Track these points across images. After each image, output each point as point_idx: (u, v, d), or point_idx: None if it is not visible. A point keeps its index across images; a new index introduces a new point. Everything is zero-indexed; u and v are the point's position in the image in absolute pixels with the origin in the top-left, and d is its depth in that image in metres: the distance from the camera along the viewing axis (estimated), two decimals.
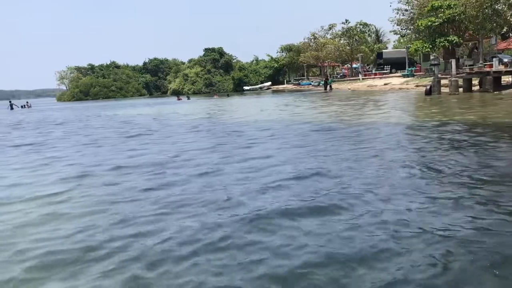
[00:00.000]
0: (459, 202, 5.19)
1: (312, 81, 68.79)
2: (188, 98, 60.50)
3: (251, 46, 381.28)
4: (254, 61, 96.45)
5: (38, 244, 4.63)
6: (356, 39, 64.99)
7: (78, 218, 5.46)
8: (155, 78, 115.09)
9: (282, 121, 16.99)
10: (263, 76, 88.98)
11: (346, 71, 73.98)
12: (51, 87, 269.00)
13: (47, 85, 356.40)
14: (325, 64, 73.55)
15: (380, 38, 76.54)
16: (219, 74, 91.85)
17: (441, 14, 36.88)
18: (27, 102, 66.30)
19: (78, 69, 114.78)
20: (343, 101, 28.63)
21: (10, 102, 67.69)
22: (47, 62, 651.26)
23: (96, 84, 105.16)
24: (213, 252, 4.16)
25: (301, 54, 74.26)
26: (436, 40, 38.24)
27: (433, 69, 30.51)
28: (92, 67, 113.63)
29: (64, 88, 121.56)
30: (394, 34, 48.56)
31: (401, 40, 67.84)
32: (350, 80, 59.22)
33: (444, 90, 27.33)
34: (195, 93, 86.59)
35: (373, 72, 59.93)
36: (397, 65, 56.93)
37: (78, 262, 4.14)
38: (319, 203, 5.43)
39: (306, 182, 6.57)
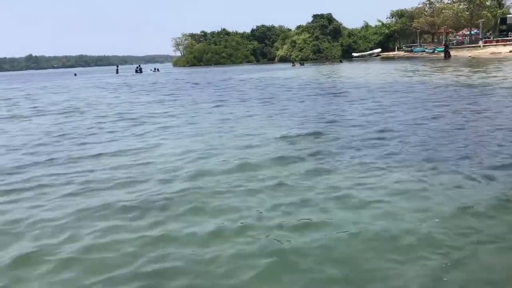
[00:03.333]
0: None
1: (426, 48, 67.93)
2: (302, 64, 63.77)
3: (361, 11, 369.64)
4: (364, 27, 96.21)
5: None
6: (477, 4, 62.86)
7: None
8: (261, 45, 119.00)
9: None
10: (372, 43, 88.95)
11: (460, 37, 71.78)
12: (158, 53, 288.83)
13: (155, 51, 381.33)
14: (440, 31, 72.02)
15: (502, 2, 72.59)
16: (327, 40, 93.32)
17: None
18: (156, 69, 75.39)
19: (192, 36, 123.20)
20: (482, 67, 29.29)
21: (139, 66, 77.47)
22: (156, 29, 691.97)
23: (209, 50, 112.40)
24: None
25: (414, 20, 73.37)
26: None
27: None
28: (204, 34, 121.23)
29: (179, 54, 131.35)
30: None
31: None
32: (468, 47, 58.07)
33: None
34: (302, 59, 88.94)
35: (493, 38, 58.08)
36: None
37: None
38: None
39: None
